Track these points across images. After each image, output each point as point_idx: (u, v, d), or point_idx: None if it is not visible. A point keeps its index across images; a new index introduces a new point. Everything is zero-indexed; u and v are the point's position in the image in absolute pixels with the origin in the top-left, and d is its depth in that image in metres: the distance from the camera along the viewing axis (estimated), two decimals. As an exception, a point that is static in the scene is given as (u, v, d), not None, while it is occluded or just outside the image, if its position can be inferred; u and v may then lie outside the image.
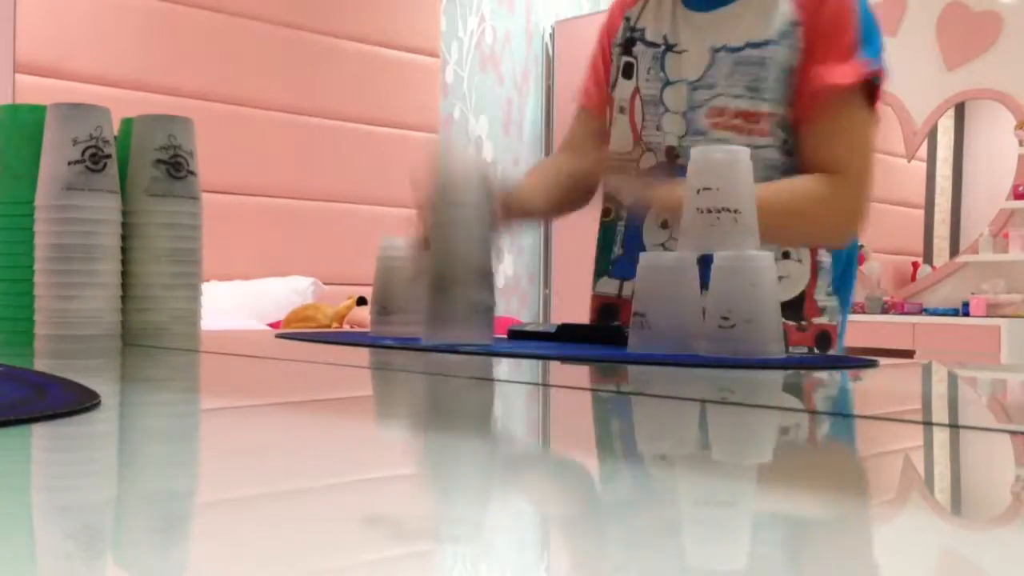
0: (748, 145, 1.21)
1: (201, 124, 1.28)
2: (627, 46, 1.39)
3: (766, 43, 1.27)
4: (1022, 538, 0.33)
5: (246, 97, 3.61)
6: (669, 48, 1.34)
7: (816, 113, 1.26)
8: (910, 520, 0.36)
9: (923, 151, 5.02)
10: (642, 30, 1.39)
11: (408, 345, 1.16)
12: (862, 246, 5.12)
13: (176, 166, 1.17)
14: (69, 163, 1.08)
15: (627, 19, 1.42)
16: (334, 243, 3.80)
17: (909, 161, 5.02)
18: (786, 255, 1.30)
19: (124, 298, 1.14)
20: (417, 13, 4.08)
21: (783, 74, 1.26)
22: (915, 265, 5.04)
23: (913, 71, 4.81)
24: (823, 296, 1.34)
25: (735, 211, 1.00)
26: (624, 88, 1.39)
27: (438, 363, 0.99)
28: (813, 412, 0.70)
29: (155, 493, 0.36)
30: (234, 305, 3.13)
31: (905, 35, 4.84)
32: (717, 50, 1.30)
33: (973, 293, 4.57)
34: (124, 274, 1.14)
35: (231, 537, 0.30)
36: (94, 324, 1.09)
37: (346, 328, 2.81)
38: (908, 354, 4.33)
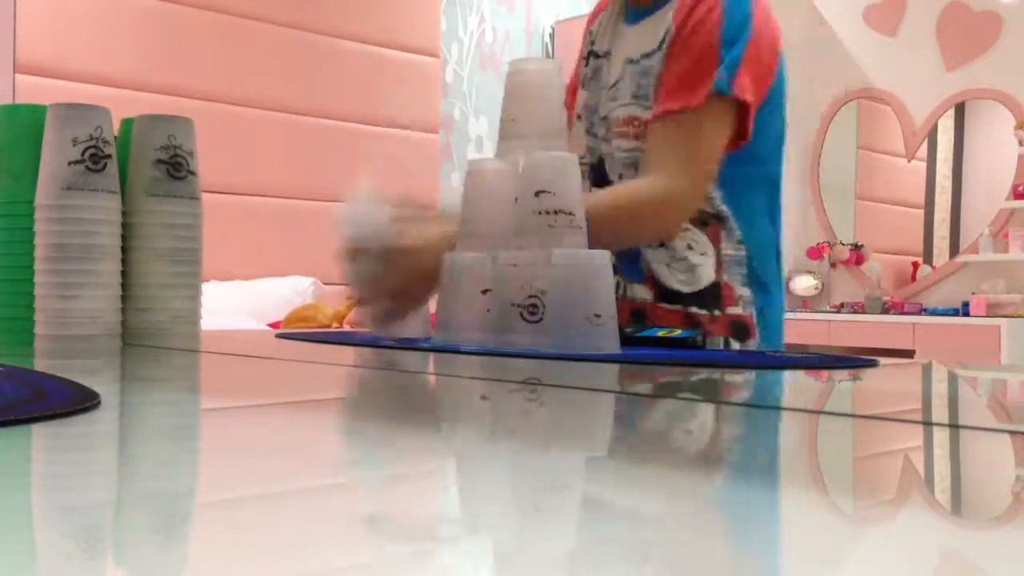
0: (633, 150, 1.33)
1: (201, 124, 1.28)
2: (588, 58, 1.49)
3: (651, 53, 1.34)
4: (1022, 538, 0.33)
5: (246, 97, 3.61)
6: (605, 57, 1.44)
7: (654, 123, 1.30)
8: (910, 520, 0.36)
9: (923, 151, 5.02)
10: (594, 42, 1.48)
11: (408, 345, 1.16)
12: (862, 246, 5.13)
13: (176, 166, 1.17)
14: (69, 163, 1.08)
15: (591, 32, 1.51)
16: (334, 243, 3.80)
17: (909, 161, 5.02)
18: (690, 247, 1.35)
19: (124, 298, 1.14)
20: (417, 13, 4.08)
21: (659, 80, 1.32)
22: (915, 265, 5.04)
23: (913, 71, 4.81)
24: (738, 287, 1.37)
25: (570, 213, 1.05)
26: (580, 97, 1.47)
27: (439, 363, 0.99)
28: (813, 412, 0.70)
29: (155, 493, 0.36)
30: (234, 305, 3.13)
31: (905, 35, 4.84)
32: (628, 61, 1.38)
33: (973, 293, 4.57)
34: (124, 274, 1.14)
35: (231, 537, 0.30)
36: (94, 324, 1.09)
37: (346, 328, 2.82)
38: (908, 354, 4.33)
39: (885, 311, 4.72)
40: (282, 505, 0.35)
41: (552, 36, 4.86)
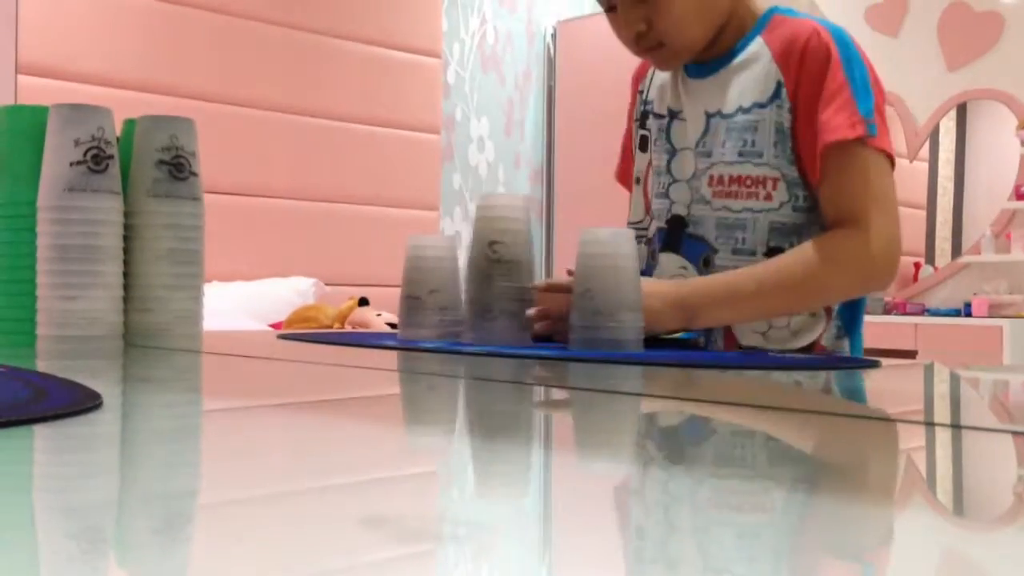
0: (747, 210, 1.24)
1: (203, 125, 1.28)
2: (642, 120, 1.42)
3: (755, 107, 1.25)
4: (1023, 539, 0.33)
5: (248, 98, 3.61)
6: (673, 117, 1.35)
7: (823, 171, 1.22)
8: (912, 520, 0.36)
9: (925, 151, 5.02)
10: (651, 103, 1.40)
11: (409, 346, 1.16)
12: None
13: (178, 167, 1.17)
14: (71, 164, 1.08)
15: (640, 92, 1.44)
16: (336, 244, 3.80)
17: (911, 162, 5.02)
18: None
19: (126, 299, 1.14)
20: (419, 14, 4.08)
21: (780, 136, 1.24)
22: (917, 266, 5.03)
23: (915, 71, 4.81)
24: (831, 341, 1.31)
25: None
26: (640, 160, 1.41)
27: (439, 363, 0.99)
28: (815, 413, 0.70)
29: (157, 494, 0.36)
30: (236, 306, 3.13)
31: (907, 35, 4.84)
32: (711, 115, 1.29)
33: (975, 294, 4.57)
34: (126, 275, 1.14)
35: (232, 537, 0.30)
36: (96, 325, 1.09)
37: (348, 329, 2.82)
38: (910, 355, 4.32)
39: (887, 312, 4.72)
40: (282, 505, 0.35)
41: (554, 37, 4.86)
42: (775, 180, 1.24)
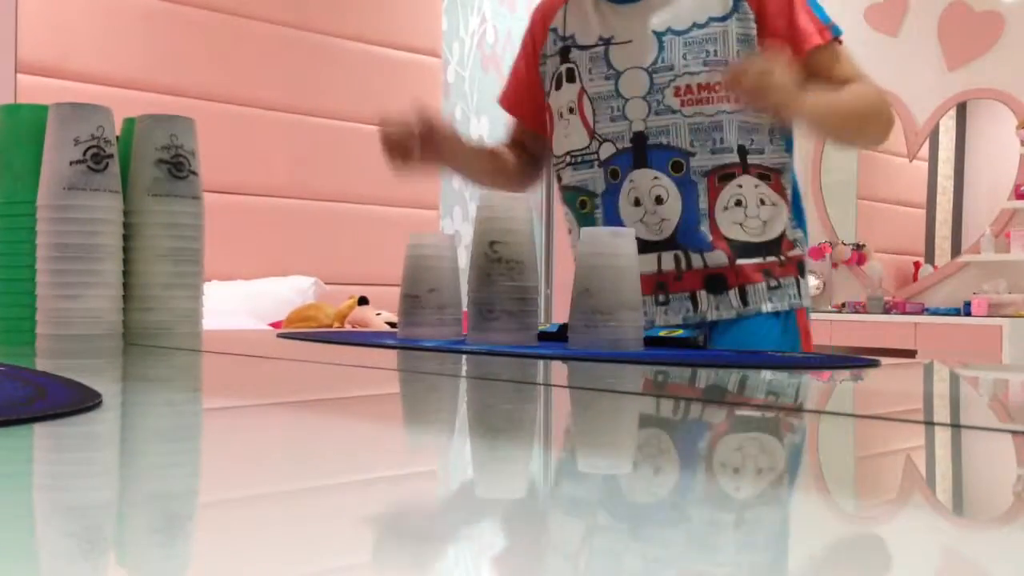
0: (721, 112, 1.39)
1: (203, 124, 1.28)
2: (563, 54, 1.50)
3: (712, 21, 1.39)
4: (1023, 538, 0.33)
5: (248, 97, 3.61)
6: (607, 43, 1.45)
7: (808, 73, 1.36)
8: (912, 520, 0.36)
9: (925, 151, 5.02)
10: (571, 36, 1.49)
11: (409, 345, 1.16)
12: (863, 245, 5.13)
13: (178, 166, 1.17)
14: (71, 163, 1.08)
15: (554, 30, 1.52)
16: (335, 243, 3.80)
17: (911, 161, 5.01)
18: (762, 202, 1.43)
19: (126, 298, 1.14)
20: (418, 13, 4.08)
21: (743, 44, 1.39)
22: (917, 265, 5.03)
23: (914, 71, 4.81)
24: (791, 230, 1.47)
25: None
26: (568, 91, 1.49)
27: (439, 362, 0.99)
28: (815, 412, 0.70)
29: (156, 493, 0.36)
30: (235, 305, 3.13)
31: (906, 35, 4.84)
32: (661, 34, 1.41)
33: (975, 293, 4.57)
34: (126, 274, 1.14)
35: (232, 537, 0.30)
36: (95, 324, 1.09)
37: (347, 328, 2.82)
38: (910, 354, 4.32)
39: (887, 311, 4.72)
40: (282, 505, 0.35)
41: (553, 36, 4.86)
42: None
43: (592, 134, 1.46)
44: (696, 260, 1.42)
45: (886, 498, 0.41)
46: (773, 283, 1.42)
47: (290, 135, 3.72)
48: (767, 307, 1.42)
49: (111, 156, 1.10)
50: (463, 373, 0.90)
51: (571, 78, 1.48)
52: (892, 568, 0.29)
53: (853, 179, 5.25)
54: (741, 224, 1.42)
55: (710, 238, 1.41)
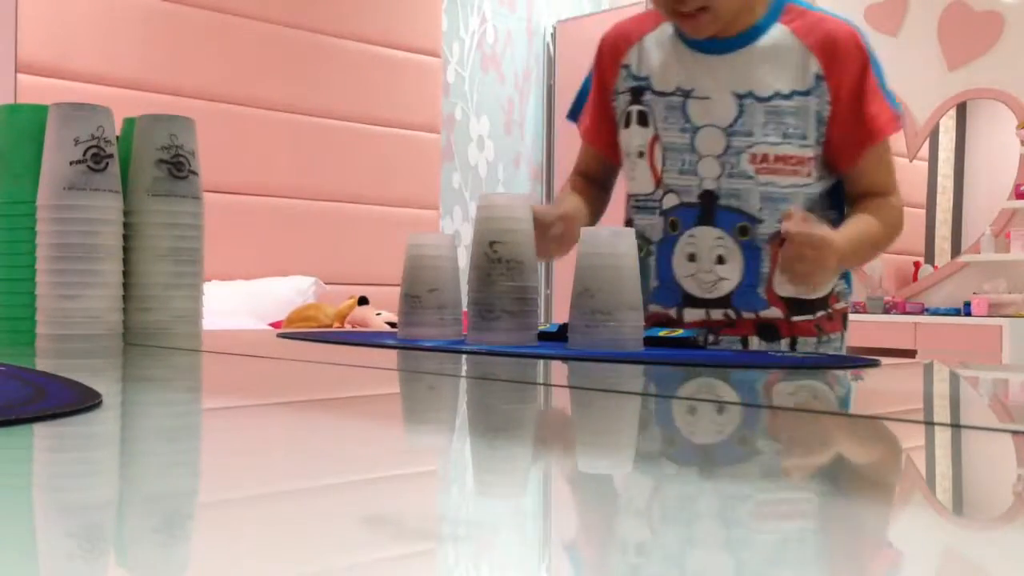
0: (792, 186, 1.42)
1: (202, 124, 1.28)
2: (635, 94, 1.48)
3: (796, 94, 1.40)
4: (1023, 538, 0.33)
5: (247, 97, 3.61)
6: (687, 95, 1.43)
7: (865, 153, 1.43)
8: (912, 520, 0.36)
9: (925, 151, 5.02)
10: (647, 78, 1.47)
11: (409, 345, 1.16)
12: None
13: (178, 166, 1.17)
14: (71, 163, 1.08)
15: (626, 67, 1.50)
16: (335, 243, 3.80)
17: (911, 161, 5.01)
18: None
19: (126, 298, 1.14)
20: (418, 13, 4.08)
21: (816, 122, 1.40)
22: (917, 265, 5.03)
23: (915, 71, 4.81)
24: (838, 282, 1.48)
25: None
26: (639, 135, 1.47)
27: (439, 362, 0.99)
28: (815, 412, 0.70)
29: (156, 493, 0.36)
30: (235, 305, 3.13)
31: (906, 35, 4.84)
32: (742, 96, 1.40)
33: (975, 293, 4.57)
34: (126, 274, 1.14)
35: (232, 537, 0.30)
36: (95, 324, 1.09)
37: (347, 328, 2.82)
38: (910, 354, 4.32)
39: (886, 311, 4.72)
40: (282, 505, 0.35)
41: (554, 36, 4.86)
42: (812, 160, 1.41)
43: (659, 182, 1.45)
44: (748, 316, 1.42)
45: (886, 498, 0.41)
46: (824, 337, 1.46)
47: (290, 135, 3.72)
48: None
49: (111, 156, 1.10)
50: (463, 373, 0.90)
51: (644, 121, 1.47)
52: (892, 568, 0.29)
53: (853, 179, 5.24)
54: (797, 285, 1.40)
55: (766, 298, 1.41)
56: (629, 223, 1.50)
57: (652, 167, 1.46)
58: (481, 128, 4.61)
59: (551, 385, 0.84)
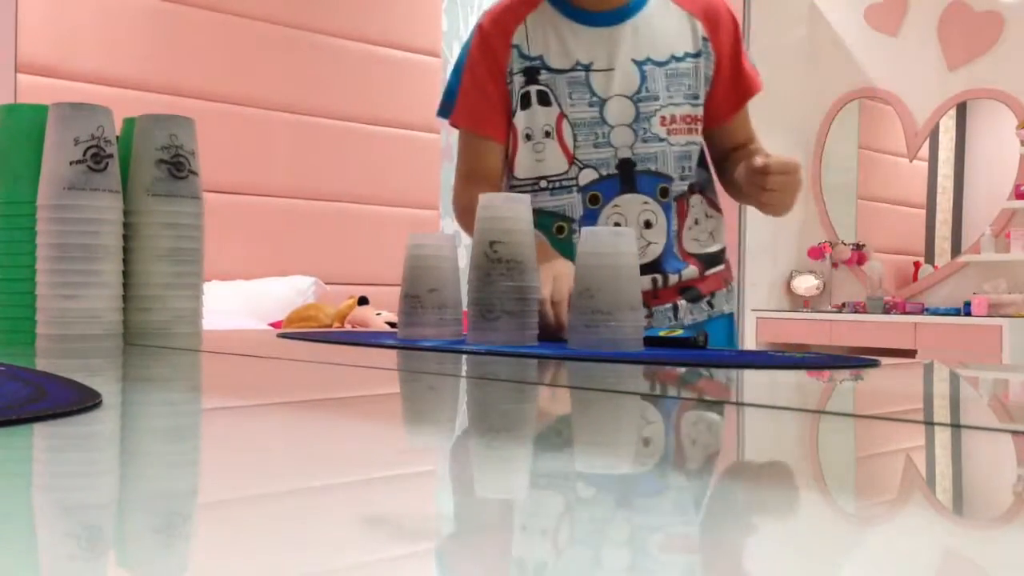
0: (689, 143, 1.50)
1: (202, 124, 1.28)
2: (528, 74, 1.49)
3: (688, 56, 1.49)
4: (1023, 538, 0.33)
5: (247, 97, 3.61)
6: (587, 68, 1.47)
7: (736, 110, 1.55)
8: (911, 520, 0.36)
9: (924, 151, 5.02)
10: (539, 57, 1.49)
11: (409, 345, 1.16)
12: (863, 245, 5.13)
13: (178, 166, 1.17)
14: (71, 163, 1.08)
15: (516, 46, 1.50)
16: (335, 243, 3.80)
17: (911, 161, 5.01)
18: (707, 216, 1.56)
19: (125, 298, 1.14)
20: (418, 13, 4.08)
21: (703, 82, 1.50)
22: (916, 265, 5.04)
23: (914, 71, 4.81)
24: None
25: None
26: (543, 114, 1.48)
27: (439, 363, 0.99)
28: (814, 412, 0.70)
29: (156, 493, 0.36)
30: (235, 305, 3.13)
31: (906, 35, 4.84)
32: (641, 63, 1.47)
33: (975, 293, 4.57)
34: (125, 274, 1.14)
35: (232, 537, 0.30)
36: (95, 324, 1.09)
37: (347, 328, 2.82)
38: (910, 354, 4.33)
39: (886, 311, 4.72)
40: (282, 505, 0.35)
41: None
42: (700, 118, 1.51)
43: (572, 160, 1.47)
44: (672, 279, 1.50)
45: (886, 498, 0.41)
46: (728, 288, 1.58)
47: (290, 135, 3.72)
48: (726, 308, 1.58)
49: (111, 156, 1.10)
50: (463, 373, 0.90)
51: (545, 101, 1.48)
52: (892, 568, 0.29)
53: (853, 179, 5.25)
54: (697, 239, 1.53)
55: (680, 256, 1.51)
56: (538, 211, 1.44)
57: (562, 145, 1.47)
58: (481, 128, 4.60)
59: (551, 385, 0.84)
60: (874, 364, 1.03)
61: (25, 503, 0.35)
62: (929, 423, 0.65)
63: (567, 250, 1.46)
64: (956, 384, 0.99)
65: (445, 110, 1.57)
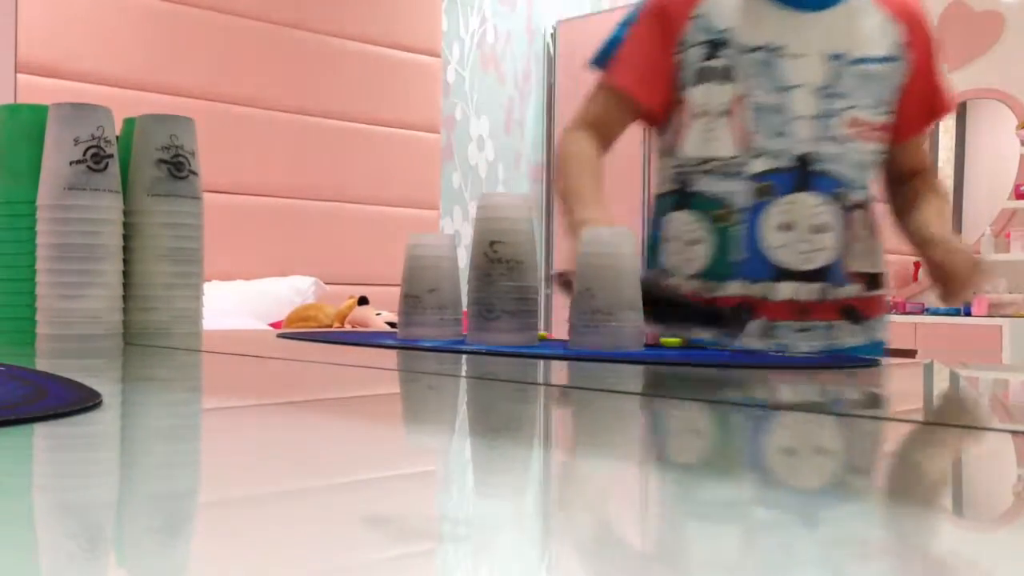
0: (874, 152, 1.40)
1: (203, 124, 1.28)
2: (712, 47, 1.37)
3: (885, 59, 1.38)
4: (1023, 538, 0.33)
5: (248, 97, 3.61)
6: (774, 52, 1.35)
7: (923, 128, 1.48)
8: (911, 520, 0.36)
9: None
10: (726, 30, 1.36)
11: (410, 345, 1.16)
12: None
13: (178, 166, 1.17)
14: (71, 163, 1.08)
15: (697, 17, 1.38)
16: (335, 243, 3.80)
17: (911, 161, 5.00)
18: (871, 234, 1.45)
19: (126, 298, 1.14)
20: (418, 13, 4.08)
21: (894, 90, 1.40)
22: (917, 265, 5.03)
23: (915, 71, 4.80)
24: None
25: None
26: (720, 92, 1.36)
27: (439, 363, 0.99)
28: (815, 412, 0.70)
29: (156, 493, 0.36)
30: (235, 305, 3.13)
31: (907, 35, 4.83)
32: (831, 57, 1.36)
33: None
34: (126, 274, 1.14)
35: (232, 537, 0.30)
36: (95, 324, 1.09)
37: (347, 328, 2.82)
38: (910, 354, 4.32)
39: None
40: (282, 505, 0.35)
41: (554, 36, 4.86)
42: (887, 127, 1.40)
43: (746, 145, 1.36)
44: (839, 292, 1.38)
45: (885, 498, 0.41)
46: (887, 315, 1.47)
47: (290, 135, 3.72)
48: (880, 336, 1.45)
49: (111, 156, 1.10)
50: (463, 373, 0.90)
51: (727, 78, 1.36)
52: (892, 569, 0.29)
53: (853, 179, 5.24)
54: (862, 256, 1.40)
55: (846, 272, 1.38)
56: (698, 194, 1.38)
57: (737, 128, 1.36)
58: (481, 128, 4.61)
59: (551, 385, 0.84)
60: (874, 364, 1.03)
61: (25, 503, 0.35)
62: (929, 423, 0.65)
63: (723, 237, 1.37)
64: (956, 384, 0.99)
65: (601, 60, 1.46)
